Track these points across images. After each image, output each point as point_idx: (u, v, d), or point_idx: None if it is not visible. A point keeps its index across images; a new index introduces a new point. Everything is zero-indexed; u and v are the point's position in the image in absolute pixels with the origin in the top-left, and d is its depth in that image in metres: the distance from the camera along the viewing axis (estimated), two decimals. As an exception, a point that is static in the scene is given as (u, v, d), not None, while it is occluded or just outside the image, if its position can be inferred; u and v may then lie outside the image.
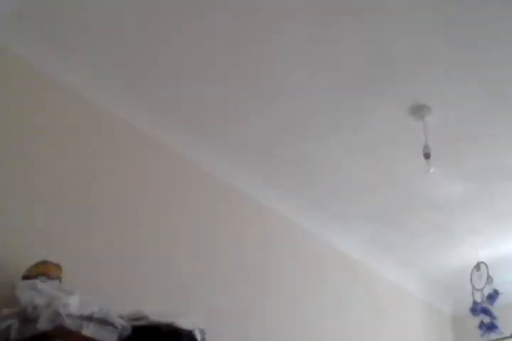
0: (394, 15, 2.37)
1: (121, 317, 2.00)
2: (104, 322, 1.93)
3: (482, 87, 2.71)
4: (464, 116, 2.88)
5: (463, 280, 4.00)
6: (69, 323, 1.83)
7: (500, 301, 3.94)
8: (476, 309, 3.92)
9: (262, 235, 3.29)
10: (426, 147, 2.77)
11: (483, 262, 3.96)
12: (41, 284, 1.92)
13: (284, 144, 3.06)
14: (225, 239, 3.04)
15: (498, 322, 3.88)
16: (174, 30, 2.43)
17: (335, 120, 2.93)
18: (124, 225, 2.59)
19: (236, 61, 2.58)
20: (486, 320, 3.90)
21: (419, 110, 2.82)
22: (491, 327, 3.87)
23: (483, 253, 3.95)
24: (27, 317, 1.83)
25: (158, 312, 2.11)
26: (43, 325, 1.80)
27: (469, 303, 3.96)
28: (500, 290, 3.94)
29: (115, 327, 1.95)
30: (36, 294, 1.88)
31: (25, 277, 1.98)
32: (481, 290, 3.94)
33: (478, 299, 3.94)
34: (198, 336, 2.14)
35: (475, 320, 3.95)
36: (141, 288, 2.48)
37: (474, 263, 3.99)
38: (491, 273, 3.92)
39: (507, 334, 3.88)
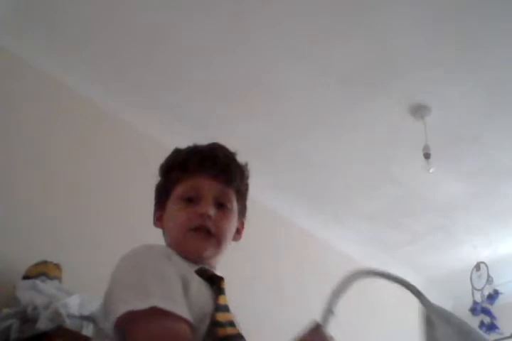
0: (394, 15, 2.37)
1: (121, 317, 2.00)
2: (104, 322, 1.92)
3: (482, 87, 2.71)
4: (464, 116, 2.88)
5: (463, 280, 4.01)
6: (69, 323, 1.83)
7: (500, 301, 3.94)
8: (476, 309, 3.92)
9: (262, 235, 3.28)
10: (426, 147, 2.77)
11: (483, 262, 3.96)
12: (41, 284, 1.92)
13: (283, 144, 3.06)
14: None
15: (498, 322, 3.89)
16: (174, 31, 2.43)
17: (335, 120, 2.93)
18: (125, 225, 2.59)
19: (235, 61, 2.58)
20: (486, 320, 3.90)
21: (419, 110, 2.82)
22: (491, 327, 3.88)
23: (483, 253, 3.95)
24: (27, 317, 1.83)
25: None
26: (42, 325, 1.80)
27: (469, 303, 3.96)
28: (500, 290, 3.94)
29: (115, 327, 1.94)
30: (36, 294, 1.88)
31: (25, 277, 1.98)
32: (481, 290, 3.94)
33: (478, 299, 3.94)
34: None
35: (475, 320, 3.95)
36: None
37: (474, 263, 3.99)
38: (491, 273, 3.92)
39: (507, 334, 3.88)
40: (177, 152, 1.32)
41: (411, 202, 3.52)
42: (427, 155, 2.76)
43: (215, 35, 2.45)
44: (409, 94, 2.76)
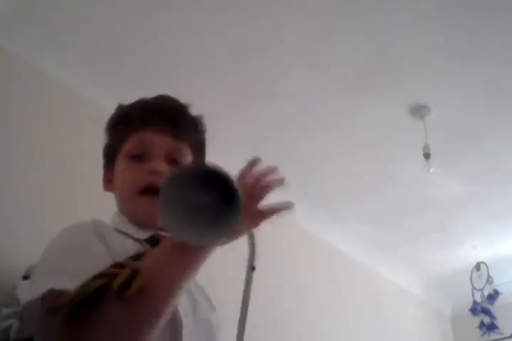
0: (394, 15, 2.37)
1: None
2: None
3: (482, 87, 2.71)
4: (464, 116, 2.88)
5: (463, 280, 4.01)
6: (69, 323, 1.83)
7: (500, 301, 3.94)
8: (476, 309, 3.93)
9: (261, 235, 3.28)
10: (426, 147, 2.78)
11: (483, 262, 3.97)
12: (41, 284, 1.92)
13: (283, 144, 3.06)
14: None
15: (498, 322, 3.89)
16: (175, 30, 2.43)
17: (334, 120, 2.93)
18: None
19: (234, 60, 2.58)
20: (486, 320, 3.90)
21: (419, 110, 2.82)
22: (491, 327, 3.88)
23: (483, 253, 3.95)
24: (27, 317, 1.83)
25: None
26: (42, 325, 1.79)
27: (469, 303, 3.96)
28: (500, 290, 3.95)
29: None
30: (36, 294, 1.87)
31: (25, 277, 1.98)
32: (481, 290, 3.95)
33: (478, 299, 3.95)
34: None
35: (475, 320, 3.95)
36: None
37: (474, 263, 4.00)
38: (491, 273, 3.93)
39: (507, 334, 3.88)
40: (121, 107, 1.21)
41: (411, 202, 3.52)
42: (427, 155, 2.76)
43: (215, 35, 2.44)
44: (409, 94, 2.76)
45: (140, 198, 1.07)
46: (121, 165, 1.12)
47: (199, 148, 1.19)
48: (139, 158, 1.10)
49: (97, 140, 2.73)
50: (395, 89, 2.73)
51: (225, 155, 3.07)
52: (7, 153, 2.28)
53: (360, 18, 2.38)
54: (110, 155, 1.17)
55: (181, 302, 1.02)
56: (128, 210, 1.11)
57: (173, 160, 1.11)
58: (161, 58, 2.56)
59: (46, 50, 2.47)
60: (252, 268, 0.98)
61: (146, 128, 1.12)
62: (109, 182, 1.19)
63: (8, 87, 2.38)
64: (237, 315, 0.98)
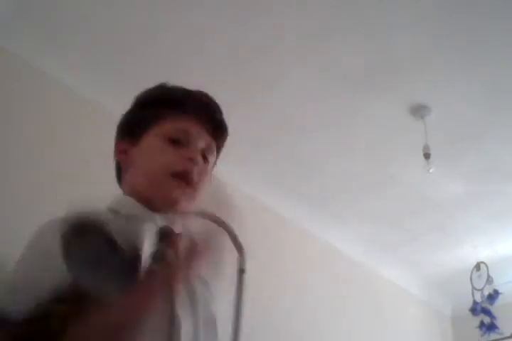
0: (394, 15, 2.37)
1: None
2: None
3: (482, 87, 2.71)
4: (464, 116, 2.88)
5: (463, 280, 4.01)
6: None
7: (500, 301, 3.94)
8: (476, 309, 3.92)
9: (261, 235, 3.29)
10: (426, 147, 2.78)
11: (483, 262, 3.96)
12: (41, 284, 1.92)
13: (283, 144, 3.06)
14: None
15: (498, 322, 3.89)
16: (175, 30, 2.43)
17: (334, 120, 2.93)
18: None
19: (234, 60, 2.58)
20: (486, 320, 3.90)
21: (419, 110, 2.82)
22: (491, 327, 3.88)
23: (483, 253, 3.95)
24: (27, 317, 1.83)
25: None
26: (42, 324, 1.79)
27: (469, 303, 3.96)
28: (500, 290, 3.95)
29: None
30: (36, 294, 1.87)
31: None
32: (481, 290, 3.95)
33: (478, 299, 3.94)
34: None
35: (475, 320, 3.95)
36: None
37: (474, 263, 3.99)
38: (491, 273, 3.93)
39: (507, 334, 3.88)
40: (167, 88, 1.22)
41: (411, 202, 3.52)
42: (427, 155, 2.76)
43: (215, 35, 2.45)
44: (409, 94, 2.76)
45: (172, 179, 1.08)
46: (154, 143, 1.13)
47: (220, 150, 1.26)
48: (177, 142, 1.12)
49: (97, 140, 2.73)
50: (395, 89, 2.73)
51: (224, 155, 3.07)
52: (7, 153, 2.27)
53: (360, 18, 2.38)
54: (138, 128, 1.16)
55: (181, 300, 1.02)
56: (148, 187, 1.11)
57: (203, 156, 1.15)
58: (161, 58, 2.56)
59: (46, 50, 2.47)
60: (241, 270, 0.97)
61: (194, 120, 1.15)
62: (124, 153, 1.20)
63: (8, 87, 2.38)
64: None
